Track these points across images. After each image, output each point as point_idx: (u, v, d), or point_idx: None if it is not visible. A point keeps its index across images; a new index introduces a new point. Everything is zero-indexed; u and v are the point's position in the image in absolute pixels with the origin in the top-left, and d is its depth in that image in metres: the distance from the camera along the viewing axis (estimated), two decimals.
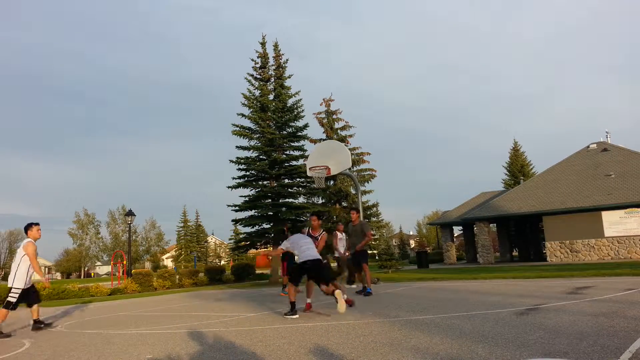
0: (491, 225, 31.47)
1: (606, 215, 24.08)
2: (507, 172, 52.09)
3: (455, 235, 39.50)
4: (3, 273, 79.74)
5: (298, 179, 23.06)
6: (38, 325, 7.87)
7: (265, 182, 22.92)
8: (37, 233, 8.04)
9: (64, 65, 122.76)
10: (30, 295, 7.83)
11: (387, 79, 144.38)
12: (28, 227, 8.02)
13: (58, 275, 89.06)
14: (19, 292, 7.57)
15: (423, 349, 4.26)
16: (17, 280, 7.61)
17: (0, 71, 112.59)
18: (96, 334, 6.93)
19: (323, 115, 28.67)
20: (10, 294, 7.52)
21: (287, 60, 24.04)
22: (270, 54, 24.05)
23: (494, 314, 6.22)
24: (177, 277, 21.98)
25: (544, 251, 28.53)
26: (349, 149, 19.17)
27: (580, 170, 28.09)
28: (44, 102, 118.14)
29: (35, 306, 7.88)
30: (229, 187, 22.45)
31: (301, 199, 23.85)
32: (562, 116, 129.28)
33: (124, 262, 26.77)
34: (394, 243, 61.63)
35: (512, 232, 33.57)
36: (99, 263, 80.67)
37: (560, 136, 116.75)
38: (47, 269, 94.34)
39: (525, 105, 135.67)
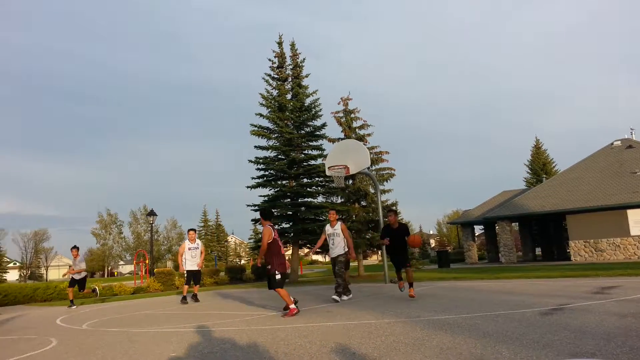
0: (513, 224, 31.04)
1: (632, 214, 23.53)
2: (528, 170, 51.27)
3: (476, 234, 39.10)
4: (30, 272, 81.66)
5: (317, 179, 23.06)
6: None
7: (284, 182, 22.98)
8: None
9: (84, 68, 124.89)
10: None
11: (404, 76, 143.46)
12: None
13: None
14: None
15: (446, 349, 4.22)
16: None
17: (23, 75, 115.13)
18: (120, 332, 7.04)
19: (341, 115, 28.57)
20: None
21: (304, 59, 24.06)
22: (287, 53, 24.10)
23: (517, 314, 6.13)
24: None
25: (568, 250, 28.03)
26: (367, 148, 19.10)
27: (604, 168, 27.50)
28: (64, 105, 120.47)
29: None
30: (248, 186, 22.58)
31: (320, 199, 23.85)
32: (585, 113, 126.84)
33: (147, 262, 27.15)
34: None
35: (534, 231, 33.06)
36: (121, 262, 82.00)
37: (583, 133, 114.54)
38: (71, 268, 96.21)
39: (546, 102, 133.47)
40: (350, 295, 9.72)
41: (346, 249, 9.39)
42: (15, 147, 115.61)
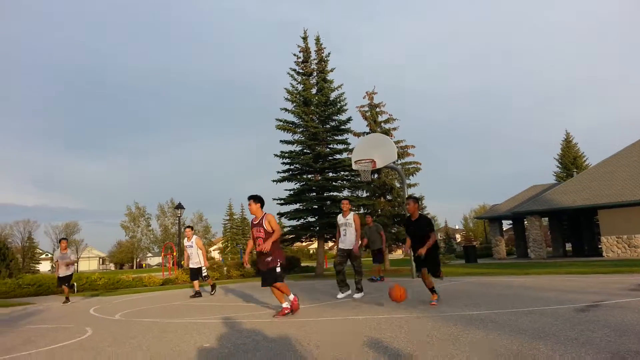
0: (543, 219, 30.43)
1: None
2: (558, 165, 50.15)
3: (503, 229, 38.46)
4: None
5: (342, 173, 23.03)
6: None
7: (309, 176, 23.01)
8: None
9: (112, 67, 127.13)
10: None
11: (429, 69, 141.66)
12: None
13: (112, 266, 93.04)
14: None
15: (481, 345, 4.15)
16: None
17: (53, 74, 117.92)
18: (152, 322, 7.17)
19: (366, 109, 28.41)
20: None
21: (329, 54, 23.96)
22: (312, 48, 24.06)
23: (551, 310, 6.00)
24: (225, 268, 22.46)
25: (599, 246, 27.33)
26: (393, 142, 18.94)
27: (638, 162, 26.67)
28: (93, 102, 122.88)
29: None
30: (273, 180, 22.69)
31: (345, 193, 23.78)
32: (618, 106, 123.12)
33: (174, 254, 27.61)
34: (439, 237, 60.68)
35: (564, 227, 32.35)
36: (149, 254, 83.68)
37: (616, 127, 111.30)
38: (101, 259, 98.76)
39: (578, 94, 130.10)
40: (349, 292, 9.24)
41: (354, 243, 8.97)
42: (48, 143, 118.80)
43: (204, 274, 12.37)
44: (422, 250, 7.01)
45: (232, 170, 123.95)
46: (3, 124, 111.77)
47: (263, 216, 6.93)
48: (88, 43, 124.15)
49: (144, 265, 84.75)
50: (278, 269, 6.87)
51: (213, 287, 12.74)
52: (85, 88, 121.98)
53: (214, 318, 7.20)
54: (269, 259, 6.82)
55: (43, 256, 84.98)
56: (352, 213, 9.16)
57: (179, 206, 27.26)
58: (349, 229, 9.02)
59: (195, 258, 12.20)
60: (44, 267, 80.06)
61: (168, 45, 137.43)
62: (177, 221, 27.88)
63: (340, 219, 9.30)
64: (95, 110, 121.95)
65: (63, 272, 12.54)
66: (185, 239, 12.39)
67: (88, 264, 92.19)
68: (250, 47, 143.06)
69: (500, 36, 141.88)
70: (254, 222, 6.99)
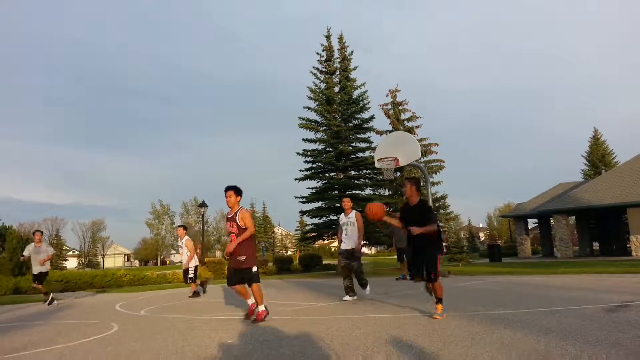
0: (570, 217, 29.81)
1: None
2: (586, 162, 49.01)
3: (530, 228, 37.79)
4: (87, 260, 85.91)
5: (364, 171, 22.99)
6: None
7: (332, 174, 23.03)
8: None
9: (139, 67, 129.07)
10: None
11: (452, 66, 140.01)
12: None
13: (136, 263, 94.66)
14: None
15: (507, 344, 4.09)
16: None
17: (80, 73, 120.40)
18: (177, 318, 7.27)
19: (389, 107, 28.30)
20: None
21: (352, 52, 23.94)
22: (335, 46, 24.05)
23: (579, 310, 5.88)
24: None
25: (628, 245, 26.65)
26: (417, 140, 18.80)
27: None
28: (118, 101, 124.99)
29: None
30: (296, 179, 22.77)
31: (368, 191, 23.76)
32: None
33: (198, 251, 27.97)
34: (462, 236, 59.97)
35: (592, 225, 31.63)
36: (173, 251, 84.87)
37: None
38: (126, 256, 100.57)
39: (605, 90, 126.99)
40: (355, 297, 8.54)
41: (356, 242, 8.47)
42: (75, 141, 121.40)
43: (189, 275, 11.69)
44: (416, 229, 5.77)
45: (253, 168, 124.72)
46: (35, 123, 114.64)
47: (238, 210, 6.42)
48: (120, 43, 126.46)
49: (167, 262, 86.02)
50: (254, 269, 6.40)
51: (203, 284, 12.41)
52: (112, 87, 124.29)
53: (237, 315, 7.25)
54: (243, 258, 6.32)
55: (70, 253, 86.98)
56: (354, 211, 8.74)
57: (203, 204, 27.56)
58: (350, 228, 8.60)
59: (186, 258, 11.74)
60: (71, 263, 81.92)
61: (186, 44, 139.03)
62: (201, 219, 28.19)
63: (342, 218, 8.88)
64: (123, 108, 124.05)
65: (38, 268, 11.04)
66: (178, 238, 12.01)
67: (114, 261, 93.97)
68: (271, 45, 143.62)
69: (522, 31, 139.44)
70: (228, 216, 6.52)
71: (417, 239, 5.92)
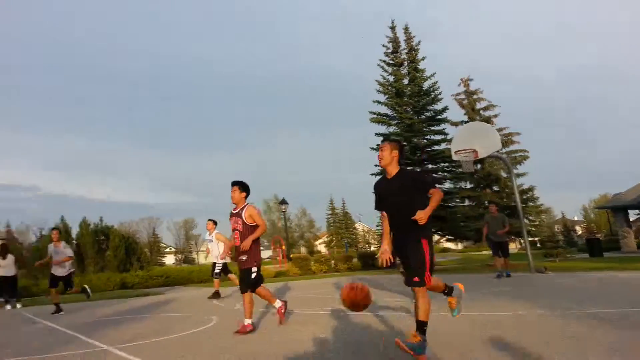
0: None
1: None
2: None
3: (630, 219, 34.82)
4: (184, 256, 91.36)
5: (442, 164, 22.38)
6: None
7: (408, 168, 22.72)
8: None
9: (218, 68, 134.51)
10: None
11: (531, 45, 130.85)
12: None
13: (227, 259, 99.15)
14: None
15: (616, 349, 3.81)
16: None
17: (165, 79, 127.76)
18: (270, 313, 7.54)
19: (462, 97, 27.30)
20: None
21: (419, 42, 23.42)
22: (401, 37, 23.66)
23: None
24: (332, 261, 22.91)
25: None
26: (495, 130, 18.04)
27: None
28: (202, 104, 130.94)
29: None
30: (372, 174, 22.62)
31: (447, 184, 23.13)
32: None
33: (283, 247, 28.79)
34: (557, 229, 56.44)
35: None
36: (261, 248, 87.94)
37: None
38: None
39: None
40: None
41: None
42: (152, 143, 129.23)
43: (215, 270, 11.16)
44: (422, 214, 3.99)
45: (331, 165, 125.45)
46: (129, 126, 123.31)
47: (244, 207, 6.09)
48: (200, 46, 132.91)
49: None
50: (254, 273, 5.93)
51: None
52: (197, 89, 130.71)
53: (325, 310, 7.40)
54: (244, 257, 5.95)
55: (167, 250, 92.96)
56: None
57: (283, 201, 28.35)
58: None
59: (216, 252, 11.16)
60: (169, 260, 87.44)
61: (246, 44, 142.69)
62: (283, 216, 29.00)
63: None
64: (213, 109, 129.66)
65: (57, 270, 9.83)
66: (207, 232, 11.41)
67: (206, 257, 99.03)
68: (338, 41, 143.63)
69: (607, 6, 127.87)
70: (233, 212, 6.18)
71: (395, 214, 4.25)
